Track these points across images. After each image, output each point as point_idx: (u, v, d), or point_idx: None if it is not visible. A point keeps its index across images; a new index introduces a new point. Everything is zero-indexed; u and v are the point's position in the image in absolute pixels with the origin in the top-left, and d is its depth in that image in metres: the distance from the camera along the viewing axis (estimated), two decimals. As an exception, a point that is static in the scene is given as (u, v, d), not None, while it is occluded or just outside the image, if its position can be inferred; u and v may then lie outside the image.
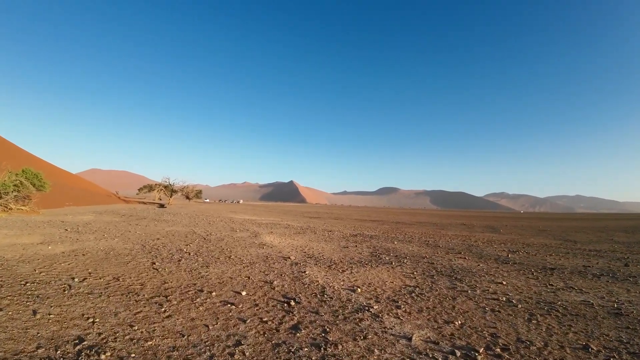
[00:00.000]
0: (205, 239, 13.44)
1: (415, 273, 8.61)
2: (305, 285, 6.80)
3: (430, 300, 6.14)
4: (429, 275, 8.46)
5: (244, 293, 5.99)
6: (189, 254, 9.66)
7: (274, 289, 6.43)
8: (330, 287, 6.76)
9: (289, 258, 9.83)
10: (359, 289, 6.64)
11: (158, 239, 12.71)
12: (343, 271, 8.45)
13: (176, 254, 9.60)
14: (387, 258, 10.89)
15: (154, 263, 8.18)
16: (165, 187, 65.00)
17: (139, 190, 74.31)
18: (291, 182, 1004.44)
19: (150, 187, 68.08)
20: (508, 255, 12.36)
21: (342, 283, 7.17)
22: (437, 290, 6.89)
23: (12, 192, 20.45)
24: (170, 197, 65.41)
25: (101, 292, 5.63)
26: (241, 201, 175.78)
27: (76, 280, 6.32)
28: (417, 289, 6.95)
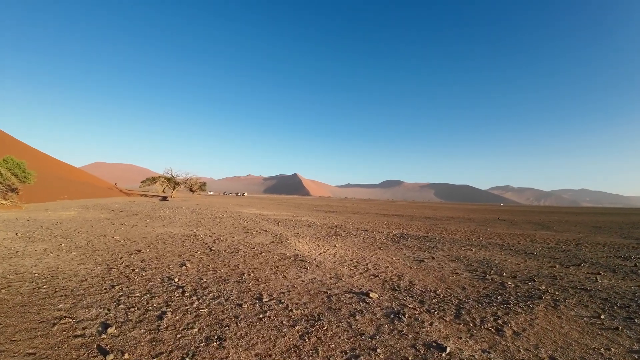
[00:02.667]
0: (211, 249, 9.13)
1: (607, 317, 4.24)
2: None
3: None
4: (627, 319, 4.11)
5: None
6: (183, 291, 5.27)
7: None
8: None
9: (369, 296, 5.45)
10: None
11: (139, 251, 8.41)
12: (488, 329, 4.13)
13: (158, 292, 5.19)
14: (512, 285, 6.53)
15: (106, 329, 3.83)
16: (168, 179, 61.24)
17: (141, 182, 71.38)
18: (295, 174, 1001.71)
19: (153, 180, 64.46)
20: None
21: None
22: None
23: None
24: (173, 189, 61.66)
25: None
26: (246, 194, 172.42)
27: None
28: None
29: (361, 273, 7.15)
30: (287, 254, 8.84)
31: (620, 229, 23.71)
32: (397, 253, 10.17)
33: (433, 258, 9.49)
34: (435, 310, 4.86)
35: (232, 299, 4.93)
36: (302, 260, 8.19)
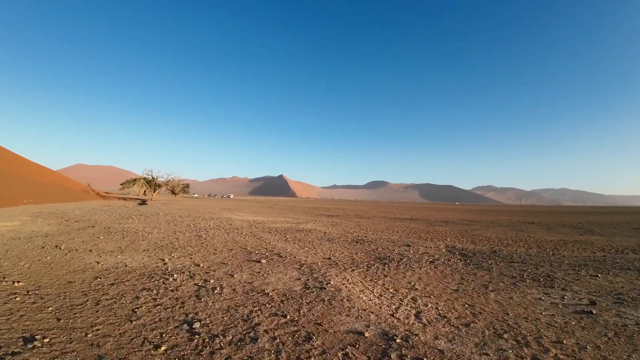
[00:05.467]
0: (192, 329, 4.24)
1: None
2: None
3: None
4: None
5: None
6: None
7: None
8: None
9: None
10: None
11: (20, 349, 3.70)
12: None
13: None
14: None
15: None
16: (148, 181, 55.55)
17: (121, 185, 66.54)
18: (281, 176, 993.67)
19: (133, 181, 58.85)
20: None
21: None
22: None
23: None
24: (154, 192, 55.98)
25: None
26: (232, 196, 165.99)
27: None
28: None
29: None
30: (358, 329, 4.35)
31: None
32: (523, 296, 5.91)
33: (593, 303, 5.27)
34: None
35: None
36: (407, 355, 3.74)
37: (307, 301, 5.29)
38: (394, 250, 11.25)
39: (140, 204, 37.66)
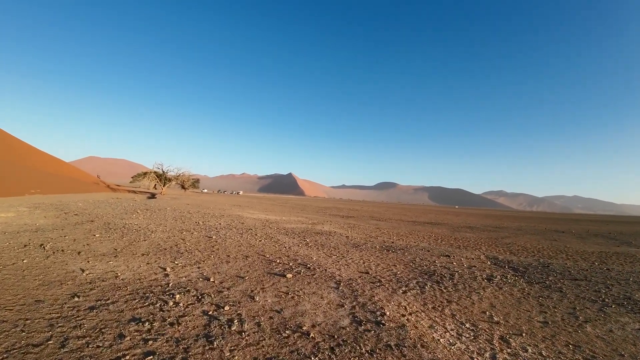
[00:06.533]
0: None
1: None
2: None
3: None
4: None
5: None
6: None
7: None
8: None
9: None
10: None
11: None
12: None
13: None
14: None
15: None
16: (158, 175, 54.83)
17: (132, 178, 66.41)
18: (290, 174, 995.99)
19: (144, 175, 58.44)
20: None
21: None
22: None
23: None
24: (163, 186, 55.20)
25: None
26: (241, 192, 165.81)
27: None
28: None
29: None
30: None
31: None
32: (621, 328, 4.46)
33: None
34: None
35: None
36: None
37: (368, 348, 3.62)
38: (434, 261, 9.52)
39: (149, 198, 36.85)
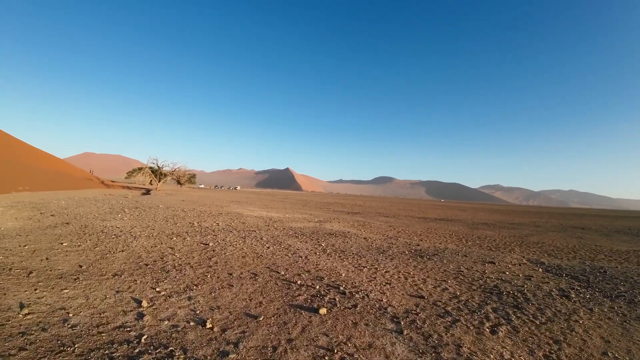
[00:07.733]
0: None
1: None
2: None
3: None
4: None
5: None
6: None
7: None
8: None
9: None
10: None
11: None
12: None
13: None
14: None
15: None
16: (153, 170, 52.70)
17: (127, 173, 64.59)
18: (287, 169, 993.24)
19: (139, 170, 56.44)
20: None
21: None
22: None
23: None
24: (159, 181, 53.11)
25: None
26: (238, 187, 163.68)
27: None
28: None
29: None
30: None
31: None
32: None
33: None
34: None
35: None
36: None
37: None
38: (484, 271, 7.71)
39: (143, 194, 34.93)
